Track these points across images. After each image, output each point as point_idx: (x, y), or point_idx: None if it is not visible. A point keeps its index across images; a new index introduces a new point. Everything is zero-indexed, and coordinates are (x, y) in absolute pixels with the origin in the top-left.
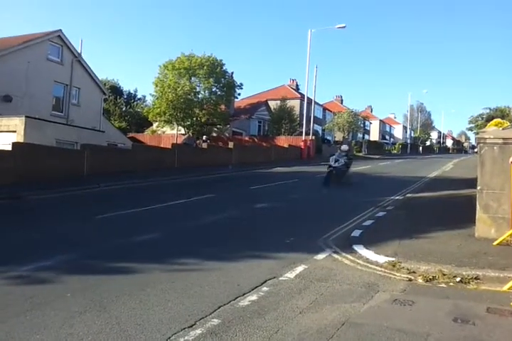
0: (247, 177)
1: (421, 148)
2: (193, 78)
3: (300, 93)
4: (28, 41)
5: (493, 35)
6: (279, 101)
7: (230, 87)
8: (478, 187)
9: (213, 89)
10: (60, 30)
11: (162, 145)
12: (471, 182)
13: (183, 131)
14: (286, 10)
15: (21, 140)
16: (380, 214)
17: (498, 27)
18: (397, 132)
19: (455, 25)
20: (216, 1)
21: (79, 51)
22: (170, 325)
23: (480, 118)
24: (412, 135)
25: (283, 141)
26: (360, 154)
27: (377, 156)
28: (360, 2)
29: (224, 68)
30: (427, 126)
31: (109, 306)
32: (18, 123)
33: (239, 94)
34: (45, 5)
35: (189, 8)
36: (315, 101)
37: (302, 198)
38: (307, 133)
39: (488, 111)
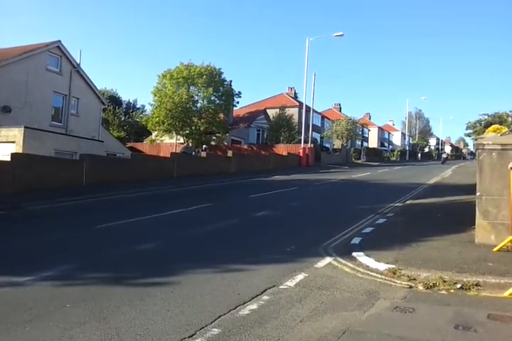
0: (246, 186)
1: (419, 154)
2: (191, 87)
3: (298, 101)
4: (27, 52)
5: (490, 42)
6: (277, 110)
7: (228, 95)
8: (478, 193)
9: (212, 98)
10: (59, 41)
11: (161, 155)
12: (470, 189)
13: (182, 140)
14: (285, 19)
15: (20, 150)
16: (380, 221)
17: (495, 35)
18: (396, 139)
19: (453, 32)
20: (213, 11)
21: (78, 61)
22: (170, 335)
23: (478, 124)
24: (411, 142)
25: (282, 149)
26: (359, 161)
27: (376, 163)
28: (358, 11)
29: (222, 77)
30: (426, 132)
31: (109, 317)
32: (17, 133)
33: (237, 103)
34: (43, 16)
35: (188, 18)
36: (313, 109)
37: (302, 206)
38: (306, 141)
39: (486, 117)
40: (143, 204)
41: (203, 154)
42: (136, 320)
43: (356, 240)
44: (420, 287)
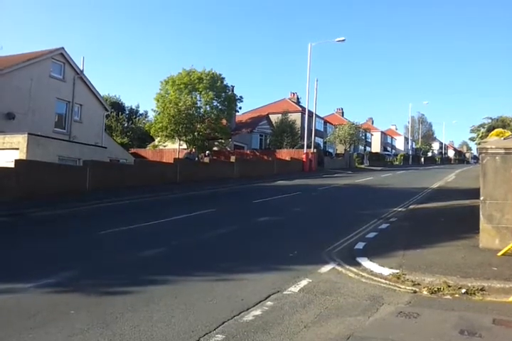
0: (249, 191)
1: (423, 159)
2: (193, 93)
3: (301, 106)
4: (31, 59)
5: (494, 45)
6: (280, 115)
7: (230, 101)
8: (481, 198)
9: (214, 104)
10: (63, 47)
11: (164, 160)
12: (474, 193)
13: (184, 146)
14: (286, 24)
15: (24, 157)
16: (384, 226)
17: (498, 38)
18: (399, 143)
19: (455, 35)
20: (216, 17)
21: (81, 68)
22: None
23: (481, 128)
24: (414, 146)
25: (285, 154)
26: (362, 166)
27: (379, 168)
28: (360, 15)
29: (225, 82)
30: (429, 137)
31: (113, 323)
32: (20, 140)
33: (240, 108)
34: (46, 23)
35: (190, 24)
36: (316, 114)
37: (305, 211)
38: (309, 146)
39: (489, 120)
40: (146, 210)
41: (206, 160)
42: (139, 326)
43: (360, 245)
44: (425, 292)
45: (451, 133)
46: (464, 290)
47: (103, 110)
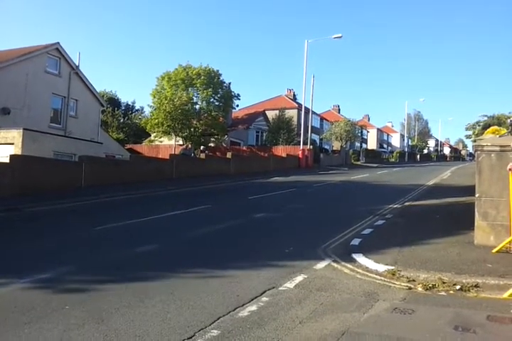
0: (245, 187)
1: (418, 156)
2: (190, 89)
3: (297, 103)
4: (26, 54)
5: (490, 43)
6: (276, 111)
7: (227, 97)
8: (477, 195)
9: (211, 100)
10: (58, 42)
11: (160, 156)
12: (470, 190)
13: (181, 142)
14: (283, 21)
15: (19, 152)
16: (379, 222)
17: (495, 36)
18: (395, 140)
19: (452, 34)
20: (213, 13)
21: (77, 63)
22: (169, 337)
23: (477, 126)
24: (410, 143)
25: (281, 150)
26: (358, 163)
27: (375, 165)
28: (357, 13)
29: (221, 79)
30: (425, 134)
31: (108, 318)
32: (16, 135)
33: (237, 105)
34: (43, 18)
35: (186, 21)
36: (312, 111)
37: (300, 207)
38: (305, 143)
39: (485, 118)
40: (141, 206)
41: (202, 156)
42: (135, 321)
43: (355, 241)
44: (419, 288)
45: (447, 131)
46: (458, 287)
47: (99, 105)
